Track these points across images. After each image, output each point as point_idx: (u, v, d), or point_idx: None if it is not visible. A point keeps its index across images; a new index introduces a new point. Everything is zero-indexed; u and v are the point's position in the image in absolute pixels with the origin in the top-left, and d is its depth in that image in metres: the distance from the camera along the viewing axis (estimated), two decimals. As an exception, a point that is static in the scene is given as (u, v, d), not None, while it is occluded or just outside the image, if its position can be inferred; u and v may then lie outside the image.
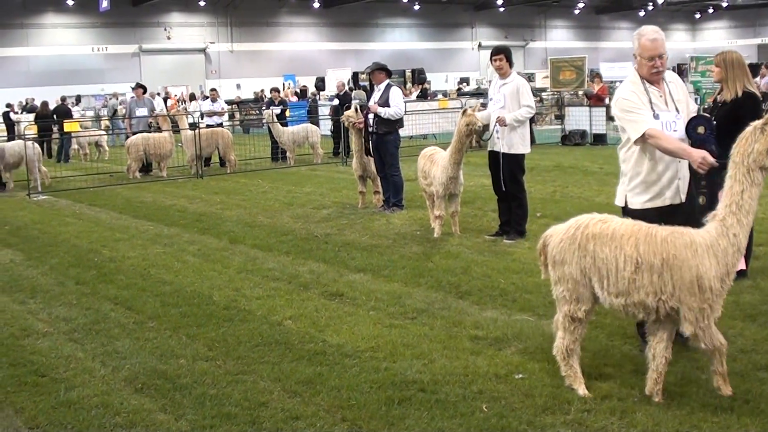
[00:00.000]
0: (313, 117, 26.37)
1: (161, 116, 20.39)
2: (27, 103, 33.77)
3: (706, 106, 16.28)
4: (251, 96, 43.10)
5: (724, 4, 62.85)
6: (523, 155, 9.85)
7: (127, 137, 19.94)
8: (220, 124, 22.10)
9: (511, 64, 9.83)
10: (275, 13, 51.44)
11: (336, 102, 23.92)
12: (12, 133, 26.80)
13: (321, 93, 37.01)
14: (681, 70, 36.83)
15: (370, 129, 12.20)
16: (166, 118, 20.39)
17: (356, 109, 12.92)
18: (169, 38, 48.17)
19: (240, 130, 32.52)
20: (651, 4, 60.08)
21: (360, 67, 37.85)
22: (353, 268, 8.70)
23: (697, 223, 4.84)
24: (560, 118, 24.54)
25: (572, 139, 22.71)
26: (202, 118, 22.42)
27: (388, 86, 12.26)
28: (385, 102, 11.98)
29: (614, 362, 5.53)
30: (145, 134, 19.20)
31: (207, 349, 6.19)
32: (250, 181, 17.25)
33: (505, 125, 9.60)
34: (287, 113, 23.92)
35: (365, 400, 5.05)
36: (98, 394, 5.33)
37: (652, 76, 5.49)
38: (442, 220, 10.17)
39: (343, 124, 13.93)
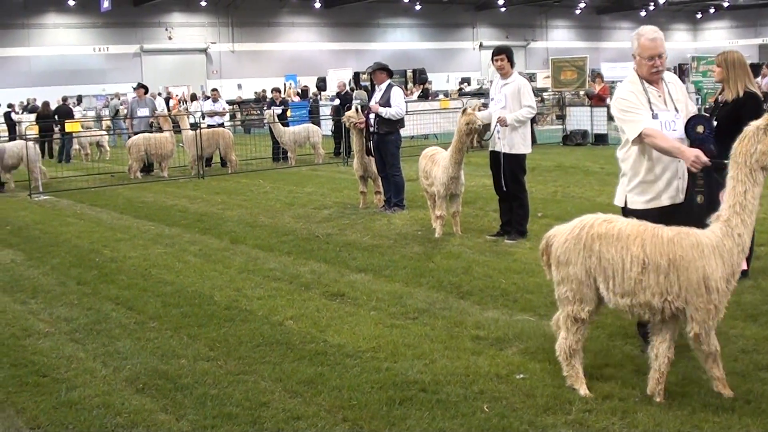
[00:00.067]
0: (314, 117, 26.37)
1: (162, 116, 20.39)
2: (28, 104, 33.81)
3: (707, 106, 16.28)
4: (252, 96, 43.13)
5: (726, 4, 62.86)
6: (524, 155, 9.85)
7: (129, 137, 19.94)
8: (222, 125, 22.10)
9: (512, 64, 9.83)
10: (276, 13, 51.48)
11: (337, 102, 23.92)
12: (13, 134, 26.84)
13: (322, 93, 37.03)
14: (682, 70, 36.95)
15: (371, 129, 12.19)
16: (167, 118, 20.39)
17: (357, 110, 12.93)
18: (170, 38, 48.22)
19: (241, 130, 32.53)
20: (652, 4, 60.11)
21: (361, 67, 37.90)
22: (354, 268, 8.70)
23: (696, 223, 4.84)
24: (561, 118, 24.54)
25: (573, 139, 22.70)
26: (203, 119, 22.43)
27: (390, 86, 12.26)
28: (386, 102, 11.98)
29: (615, 362, 5.53)
30: (146, 134, 19.20)
31: (208, 350, 6.19)
32: (251, 181, 17.24)
33: (506, 125, 9.60)
34: (288, 113, 23.92)
35: (366, 400, 5.05)
36: (99, 395, 5.34)
37: (651, 76, 5.50)
38: (443, 220, 10.16)
39: (344, 124, 13.94)
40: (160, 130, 19.89)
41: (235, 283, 8.21)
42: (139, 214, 13.13)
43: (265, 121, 23.18)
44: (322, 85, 39.81)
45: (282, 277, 8.41)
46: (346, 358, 5.84)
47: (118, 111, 27.75)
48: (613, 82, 26.16)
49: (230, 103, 35.73)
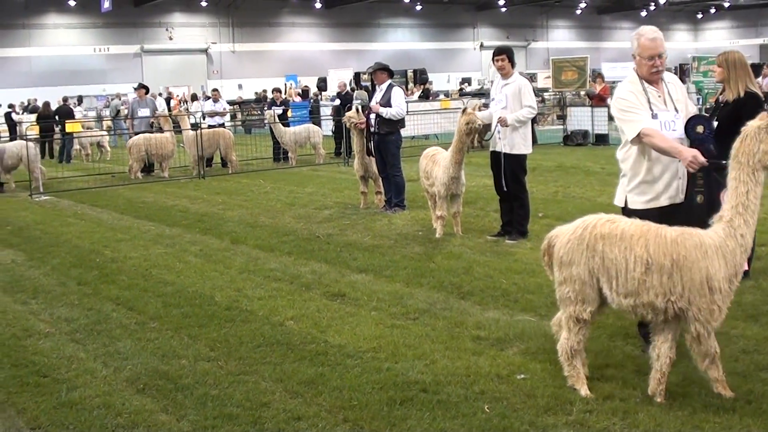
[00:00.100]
0: (315, 117, 26.37)
1: (163, 116, 20.39)
2: (29, 104, 33.82)
3: (708, 107, 16.27)
4: (252, 96, 43.13)
5: (726, 4, 62.83)
6: (524, 155, 9.85)
7: (130, 137, 19.95)
8: (222, 125, 22.10)
9: (513, 65, 9.84)
10: (277, 13, 51.47)
11: (337, 102, 23.92)
12: (14, 134, 26.85)
13: (323, 93, 37.02)
14: (683, 70, 36.91)
15: (372, 129, 12.19)
16: (168, 118, 20.39)
17: (358, 110, 12.92)
18: (170, 38, 48.21)
19: (242, 130, 32.54)
20: (653, 4, 60.08)
21: (362, 67, 37.88)
22: (355, 268, 8.70)
23: (696, 223, 4.85)
24: (562, 118, 24.55)
25: (574, 139, 22.70)
26: (203, 119, 22.44)
27: (390, 86, 12.26)
28: (386, 102, 11.97)
29: (616, 363, 5.52)
30: (146, 134, 19.20)
31: (209, 350, 6.19)
32: (251, 181, 17.25)
33: (507, 126, 9.59)
34: (289, 113, 23.92)
35: (367, 400, 5.05)
36: (100, 395, 5.34)
37: (651, 76, 5.52)
38: (444, 221, 10.16)
39: (345, 124, 13.93)
40: (160, 130, 19.90)
41: (236, 284, 8.21)
42: (140, 214, 13.14)
43: (266, 121, 23.18)
44: (322, 85, 39.80)
45: (283, 278, 8.41)
46: (347, 359, 5.84)
47: (119, 111, 27.77)
48: (613, 82, 26.12)
49: (231, 103, 35.73)
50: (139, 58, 47.11)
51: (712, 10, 66.79)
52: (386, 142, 12.12)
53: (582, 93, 25.26)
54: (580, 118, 23.07)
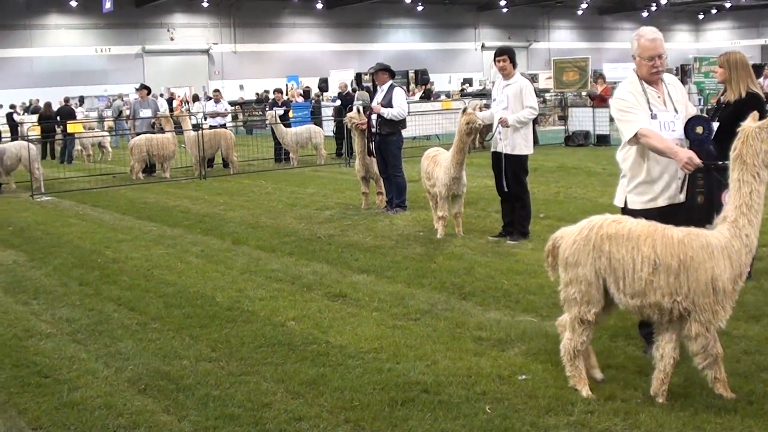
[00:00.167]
0: (316, 118, 26.38)
1: (164, 117, 20.40)
2: (31, 104, 33.84)
3: (709, 107, 16.24)
4: (254, 97, 43.15)
5: (728, 5, 62.81)
6: (526, 156, 9.85)
7: (131, 138, 19.96)
8: (224, 125, 22.11)
9: (514, 65, 9.84)
10: (278, 14, 51.50)
11: (338, 103, 23.92)
12: (15, 134, 26.87)
13: (324, 94, 37.03)
14: (684, 71, 36.86)
15: (373, 130, 12.19)
16: (169, 119, 20.39)
17: (359, 110, 12.92)
18: (172, 39, 48.24)
19: (243, 131, 32.55)
20: (654, 4, 60.08)
21: (363, 68, 37.91)
22: (356, 269, 8.70)
23: (696, 223, 4.86)
24: (563, 118, 24.54)
25: (575, 139, 22.70)
26: (205, 119, 22.45)
27: (391, 87, 12.25)
28: (388, 103, 11.97)
29: (617, 363, 5.52)
30: (148, 135, 19.21)
31: (210, 350, 6.19)
32: (253, 182, 17.25)
33: (508, 126, 9.59)
34: (290, 114, 23.92)
35: (368, 401, 5.05)
36: (101, 395, 5.34)
37: (651, 76, 5.55)
38: (445, 221, 10.16)
39: (346, 125, 13.93)
40: (162, 131, 19.91)
41: (237, 284, 8.21)
42: (141, 214, 13.14)
43: (267, 121, 23.18)
44: (324, 86, 39.82)
45: (284, 278, 8.41)
46: (348, 359, 5.84)
47: (121, 112, 27.79)
48: (615, 82, 26.12)
49: (232, 103, 35.74)
50: (140, 58, 47.15)
51: (714, 11, 66.78)
52: (387, 142, 12.12)
53: (583, 94, 25.27)
54: (581, 119, 23.06)
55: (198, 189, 16.41)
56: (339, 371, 5.59)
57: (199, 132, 19.01)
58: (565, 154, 20.35)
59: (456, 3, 56.84)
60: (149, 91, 21.32)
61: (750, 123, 4.64)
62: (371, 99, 15.25)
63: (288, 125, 21.83)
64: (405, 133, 12.88)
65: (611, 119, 21.06)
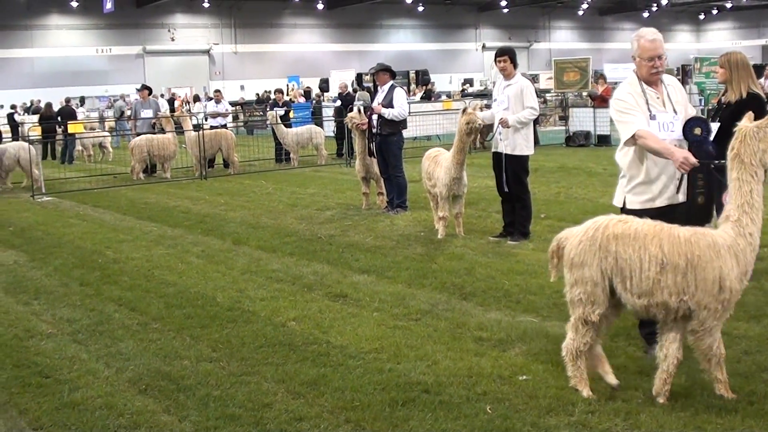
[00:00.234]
0: (317, 118, 26.38)
1: (165, 117, 20.41)
2: (32, 104, 33.86)
3: (710, 108, 16.23)
4: (254, 97, 43.16)
5: (728, 5, 62.79)
6: (526, 156, 9.85)
7: (132, 138, 19.96)
8: (224, 126, 22.12)
9: (515, 66, 9.84)
10: (279, 14, 51.52)
11: (339, 103, 23.93)
12: (16, 135, 26.89)
13: (325, 94, 37.05)
14: (685, 71, 36.84)
15: (374, 130, 12.19)
16: (170, 119, 20.40)
17: (360, 110, 12.92)
18: (173, 39, 48.27)
19: (244, 131, 32.55)
20: (655, 5, 60.06)
21: (364, 68, 37.92)
22: (357, 269, 8.70)
23: (696, 223, 4.88)
24: (564, 119, 24.53)
25: (576, 140, 22.70)
26: (206, 120, 22.43)
27: (392, 87, 12.25)
28: (388, 103, 11.97)
29: (618, 364, 5.51)
30: (149, 135, 19.22)
31: (211, 351, 6.19)
32: (254, 182, 17.25)
33: (508, 127, 9.59)
34: (291, 114, 23.94)
35: (369, 401, 5.05)
36: (102, 395, 5.34)
37: (651, 77, 5.57)
38: (446, 222, 10.16)
39: (347, 125, 13.92)
40: (163, 131, 19.91)
41: (238, 284, 8.21)
42: (142, 215, 13.15)
43: (268, 122, 23.19)
44: (324, 86, 39.83)
45: (285, 278, 8.41)
46: (349, 359, 5.84)
47: (123, 112, 27.82)
48: (616, 83, 26.13)
49: (233, 104, 35.74)
50: (141, 59, 47.17)
51: (714, 11, 66.77)
52: (388, 143, 12.12)
53: (584, 94, 25.27)
54: (582, 119, 23.06)
55: (199, 189, 16.41)
56: (340, 371, 5.59)
57: (200, 132, 19.02)
58: (565, 154, 20.35)
59: (457, 3, 56.85)
60: (150, 91, 21.32)
61: (746, 123, 4.67)
62: (372, 99, 15.26)
63: (289, 125, 21.83)
64: (406, 133, 12.88)
65: (612, 120, 21.13)
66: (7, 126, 28.93)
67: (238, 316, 7.04)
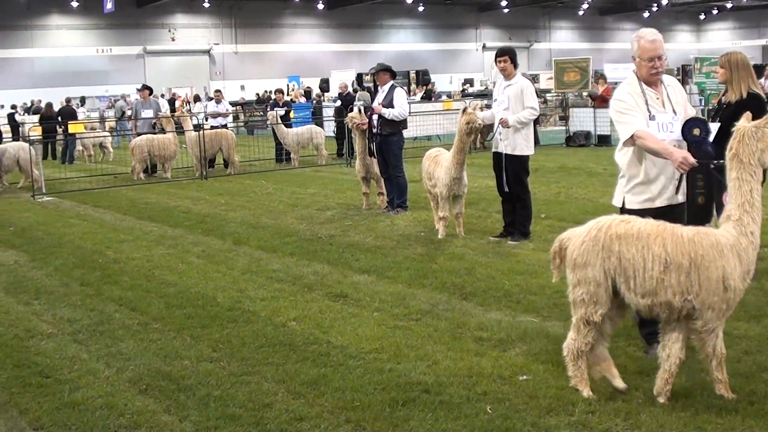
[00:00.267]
0: (317, 118, 26.38)
1: (165, 117, 20.41)
2: (32, 105, 33.86)
3: (711, 108, 16.23)
4: (254, 97, 43.16)
5: (729, 5, 62.79)
6: (527, 157, 9.85)
7: (133, 138, 19.97)
8: (225, 126, 22.12)
9: (515, 66, 9.84)
10: (279, 14, 51.53)
11: (339, 103, 23.92)
12: (17, 135, 26.89)
13: (325, 94, 37.05)
14: (685, 72, 36.83)
15: (374, 130, 12.19)
16: (170, 119, 20.41)
17: (360, 110, 12.92)
18: (173, 39, 48.29)
19: (244, 131, 32.55)
20: (655, 5, 60.05)
21: (364, 68, 37.91)
22: (357, 269, 8.70)
23: (695, 223, 4.88)
24: (564, 119, 24.54)
25: (576, 140, 22.70)
26: (206, 120, 22.42)
27: (392, 87, 12.25)
28: (389, 103, 11.97)
29: (618, 364, 5.49)
30: (149, 135, 19.22)
31: (211, 351, 6.20)
32: (254, 182, 17.25)
33: (508, 127, 9.59)
34: (291, 114, 23.94)
35: (369, 401, 5.05)
36: (102, 395, 5.34)
37: (651, 77, 5.58)
38: (446, 222, 10.16)
39: (347, 125, 13.92)
40: (163, 131, 19.91)
41: (238, 285, 8.21)
42: (142, 215, 13.15)
43: (269, 122, 23.19)
44: (325, 86, 39.84)
45: (285, 279, 8.41)
46: (349, 359, 5.84)
47: (124, 113, 27.83)
48: (616, 83, 26.12)
49: (233, 104, 35.74)
50: (141, 59, 47.19)
51: (715, 11, 66.76)
52: (388, 143, 12.12)
53: (584, 94, 25.26)
54: (582, 119, 23.06)
55: (199, 189, 16.41)
56: (340, 371, 5.59)
57: (201, 132, 19.02)
58: (566, 154, 20.35)
59: (457, 3, 56.85)
60: (151, 91, 21.32)
61: (744, 123, 4.68)
62: (372, 99, 15.26)
63: (289, 125, 21.83)
64: (406, 133, 12.88)
65: (612, 120, 21.11)
66: (8, 126, 28.93)
67: (239, 316, 7.05)
